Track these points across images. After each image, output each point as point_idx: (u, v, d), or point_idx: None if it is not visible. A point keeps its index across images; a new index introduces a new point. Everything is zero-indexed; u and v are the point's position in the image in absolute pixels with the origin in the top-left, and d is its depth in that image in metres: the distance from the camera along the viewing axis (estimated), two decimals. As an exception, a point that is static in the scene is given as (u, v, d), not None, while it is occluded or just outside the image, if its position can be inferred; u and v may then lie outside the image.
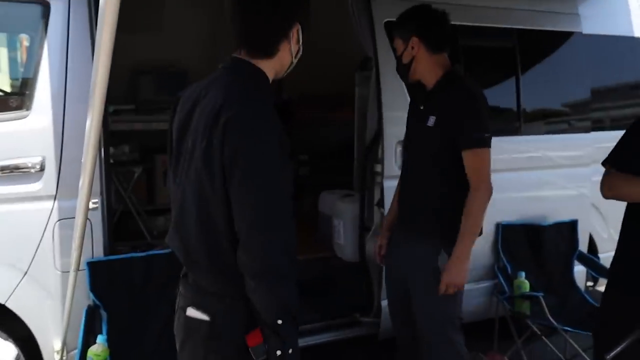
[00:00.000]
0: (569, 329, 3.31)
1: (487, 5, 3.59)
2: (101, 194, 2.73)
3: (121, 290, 2.76)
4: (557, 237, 3.82)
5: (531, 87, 3.76)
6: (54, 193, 2.65)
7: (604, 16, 4.08)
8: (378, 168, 3.33)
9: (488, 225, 3.60)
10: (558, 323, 3.30)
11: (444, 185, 2.48)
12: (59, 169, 2.64)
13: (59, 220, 2.66)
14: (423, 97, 2.54)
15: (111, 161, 2.99)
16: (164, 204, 3.85)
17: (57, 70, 2.63)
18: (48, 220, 2.65)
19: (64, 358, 2.69)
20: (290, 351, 1.50)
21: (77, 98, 2.60)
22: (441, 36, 2.49)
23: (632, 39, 4.23)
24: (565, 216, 3.84)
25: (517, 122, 3.74)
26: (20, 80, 2.83)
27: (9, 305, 2.64)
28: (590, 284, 4.27)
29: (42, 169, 2.63)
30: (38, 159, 2.62)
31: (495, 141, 3.49)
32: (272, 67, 1.61)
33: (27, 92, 2.67)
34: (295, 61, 1.64)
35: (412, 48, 2.45)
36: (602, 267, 3.73)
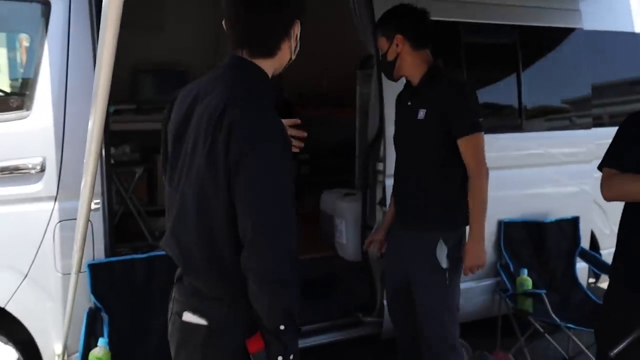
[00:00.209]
0: (571, 326, 3.31)
1: (488, 2, 3.58)
2: (102, 194, 2.72)
3: (123, 292, 2.75)
4: (559, 234, 3.81)
5: (532, 84, 3.75)
6: (55, 194, 2.64)
7: (604, 12, 4.07)
8: (380, 166, 3.32)
9: (490, 223, 3.60)
10: (561, 320, 3.30)
11: (438, 176, 2.56)
12: (60, 170, 2.62)
13: (59, 221, 2.64)
14: (409, 93, 2.64)
15: (112, 162, 2.97)
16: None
17: (58, 71, 2.61)
18: (49, 221, 2.64)
19: (66, 361, 2.68)
20: (291, 357, 1.48)
21: (78, 98, 2.59)
22: (423, 33, 2.59)
23: (633, 34, 4.22)
24: (567, 213, 3.84)
25: (518, 119, 3.73)
26: (20, 80, 2.81)
27: (9, 308, 2.62)
28: (592, 280, 4.27)
29: (42, 169, 2.61)
30: (38, 160, 2.60)
31: (497, 138, 3.54)
32: (272, 65, 1.60)
33: (27, 93, 2.66)
34: (294, 57, 1.63)
35: (397, 46, 2.55)
36: (604, 264, 3.72)
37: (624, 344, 1.98)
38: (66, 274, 2.57)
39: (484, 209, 2.51)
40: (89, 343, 2.52)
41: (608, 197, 2.16)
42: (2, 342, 2.64)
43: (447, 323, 2.56)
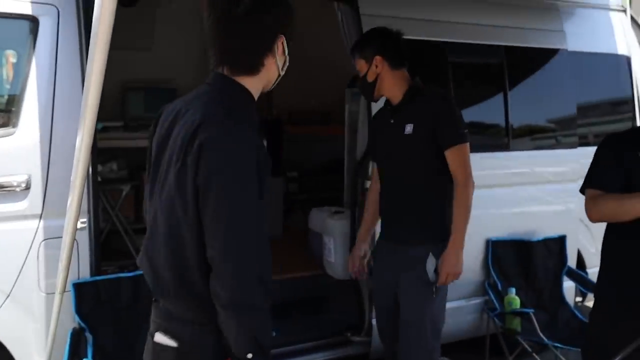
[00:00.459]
0: (559, 345, 3.31)
1: (475, 23, 3.63)
2: (89, 212, 2.68)
3: (108, 311, 2.71)
4: (546, 253, 3.83)
5: (519, 103, 3.80)
6: (40, 212, 2.60)
7: (587, 34, 4.14)
8: (368, 184, 3.32)
9: (478, 241, 3.62)
10: (549, 339, 3.31)
11: (427, 190, 2.61)
12: (45, 188, 2.59)
13: (44, 240, 2.61)
14: (390, 111, 2.70)
15: (99, 179, 2.94)
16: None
17: (45, 87, 2.60)
18: (33, 240, 2.60)
19: (48, 383, 2.62)
20: None
21: (65, 115, 2.57)
22: (400, 53, 2.66)
23: (616, 56, 4.29)
24: (553, 232, 3.86)
25: (505, 138, 3.76)
26: (6, 97, 2.79)
27: (-10, 329, 2.57)
28: (579, 299, 4.28)
29: (27, 187, 2.58)
30: (24, 178, 2.57)
31: (485, 157, 3.57)
32: (259, 82, 1.57)
33: (13, 109, 2.63)
34: (282, 73, 1.61)
35: (376, 67, 2.61)
36: (590, 283, 3.74)
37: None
38: (50, 294, 2.53)
39: (467, 218, 2.55)
40: (73, 364, 2.48)
41: (594, 219, 2.16)
42: (-18, 363, 2.59)
43: (430, 338, 2.58)
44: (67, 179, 1.92)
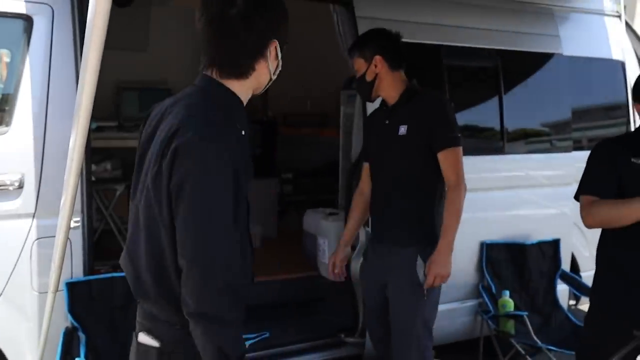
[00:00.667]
0: (553, 348, 3.32)
1: (471, 26, 3.64)
2: (82, 212, 2.67)
3: (100, 311, 2.69)
4: (540, 256, 3.84)
5: (514, 107, 3.81)
6: (33, 211, 2.59)
7: (583, 38, 4.16)
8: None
9: (472, 244, 3.63)
10: (542, 342, 3.31)
11: (418, 191, 2.62)
12: (39, 187, 2.58)
13: (37, 239, 2.59)
14: (386, 112, 2.70)
15: (93, 179, 2.93)
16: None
17: (39, 87, 2.59)
18: (26, 239, 2.58)
19: (40, 382, 2.60)
20: None
21: (59, 115, 2.56)
22: (399, 55, 2.67)
23: (610, 61, 4.31)
24: (547, 235, 3.87)
25: (500, 142, 3.77)
26: (0, 96, 2.78)
27: (-18, 328, 2.56)
28: (572, 302, 4.29)
29: (20, 186, 2.57)
30: (17, 176, 2.56)
31: (480, 160, 3.58)
32: (249, 86, 1.55)
33: (6, 108, 2.62)
34: (274, 77, 1.59)
35: (375, 66, 2.61)
36: (584, 286, 3.75)
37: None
38: (43, 293, 2.52)
39: (458, 221, 2.55)
40: (65, 364, 2.47)
41: (590, 225, 2.17)
42: (-26, 363, 2.58)
43: (422, 338, 2.59)
44: (61, 178, 1.92)
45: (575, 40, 4.05)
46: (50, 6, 2.61)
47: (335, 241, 3.60)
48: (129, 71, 4.74)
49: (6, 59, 2.77)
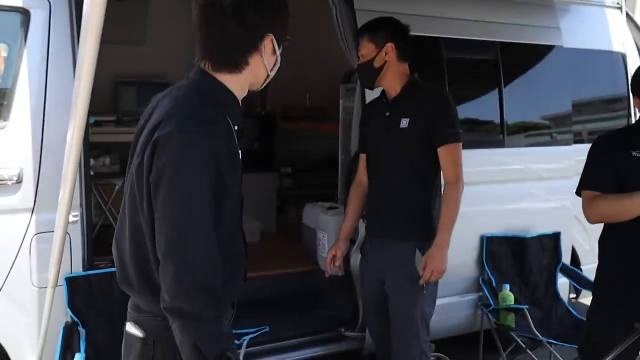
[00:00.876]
0: (553, 341, 3.32)
1: (471, 19, 3.62)
2: (81, 206, 2.67)
3: (100, 306, 2.69)
4: (540, 250, 3.84)
5: (514, 100, 3.79)
6: (32, 206, 2.58)
7: (583, 30, 4.14)
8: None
9: (472, 237, 3.62)
10: (543, 336, 3.31)
11: (418, 185, 2.60)
12: (37, 182, 2.57)
13: (36, 234, 2.59)
14: (387, 104, 2.67)
15: (91, 173, 2.92)
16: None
17: (37, 81, 2.57)
18: (25, 234, 2.58)
19: (40, 377, 2.60)
20: None
21: (57, 109, 2.55)
22: (408, 47, 2.64)
23: (611, 53, 4.30)
24: (548, 228, 3.86)
25: (500, 135, 3.76)
26: (-3, 90, 2.77)
27: (-18, 323, 2.55)
28: (572, 296, 4.29)
29: (19, 181, 2.56)
30: (15, 171, 2.55)
31: (480, 153, 3.57)
32: (243, 81, 1.52)
33: (4, 103, 2.61)
34: (272, 73, 1.56)
35: (386, 54, 2.58)
36: (585, 280, 3.75)
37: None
38: (42, 288, 2.51)
39: (455, 216, 2.54)
40: (65, 358, 2.46)
41: (593, 220, 2.16)
42: (-26, 358, 2.57)
43: (421, 332, 2.59)
44: (59, 173, 1.91)
45: (575, 32, 4.03)
46: (47, 0, 2.59)
47: (335, 235, 3.59)
48: (127, 65, 4.72)
49: (3, 53, 2.75)
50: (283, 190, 5.29)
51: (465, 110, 3.54)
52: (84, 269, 2.70)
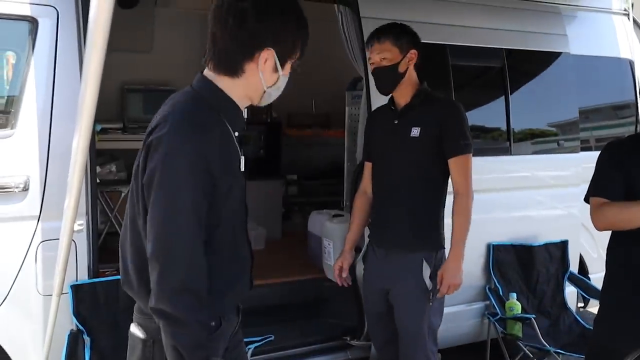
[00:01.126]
0: (561, 351, 3.29)
1: (477, 26, 3.62)
2: (87, 214, 2.67)
3: (106, 314, 2.68)
4: (548, 258, 3.81)
5: (521, 107, 3.78)
6: (38, 214, 2.59)
7: (591, 37, 4.13)
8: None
9: (479, 246, 3.60)
10: (550, 345, 3.28)
11: (427, 195, 2.58)
12: (44, 189, 2.58)
13: (42, 241, 2.59)
14: (396, 112, 2.63)
15: (98, 181, 2.93)
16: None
17: (44, 89, 2.58)
18: (31, 241, 2.58)
19: (45, 385, 2.59)
20: None
21: (65, 117, 2.55)
22: (422, 56, 2.62)
23: (618, 59, 4.28)
24: (555, 236, 3.83)
25: (507, 142, 3.75)
26: (5, 98, 2.78)
27: (-12, 331, 2.55)
28: (581, 305, 4.26)
29: (26, 189, 2.56)
30: (22, 179, 2.55)
31: (487, 161, 3.55)
32: (240, 88, 1.52)
33: (12, 111, 2.62)
34: (271, 92, 1.54)
35: (409, 60, 2.55)
36: (593, 288, 3.71)
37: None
38: (48, 295, 2.51)
39: (468, 229, 2.52)
40: (70, 367, 2.46)
41: (601, 228, 2.15)
42: (-21, 365, 2.57)
43: (428, 343, 2.57)
44: (66, 181, 1.90)
45: (582, 39, 4.02)
46: (55, 8, 2.61)
47: (340, 243, 3.57)
48: (134, 73, 4.75)
49: (12, 61, 2.77)
50: (288, 197, 5.29)
51: (472, 118, 3.49)
52: (90, 277, 2.70)
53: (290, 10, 1.51)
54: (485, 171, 3.38)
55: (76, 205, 1.80)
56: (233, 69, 1.50)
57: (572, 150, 3.98)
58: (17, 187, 2.54)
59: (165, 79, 4.84)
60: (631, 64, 4.30)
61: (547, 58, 3.91)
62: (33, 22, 2.59)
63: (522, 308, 3.48)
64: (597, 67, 4.14)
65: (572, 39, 3.95)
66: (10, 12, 2.56)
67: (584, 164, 3.77)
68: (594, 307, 4.04)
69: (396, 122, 2.61)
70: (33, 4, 2.58)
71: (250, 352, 2.81)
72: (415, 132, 2.54)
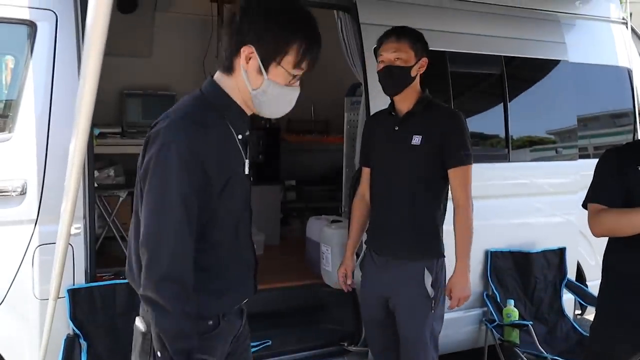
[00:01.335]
0: (558, 358, 3.28)
1: (476, 33, 3.63)
2: (84, 218, 2.66)
3: (102, 318, 2.68)
4: (545, 265, 3.81)
5: (519, 115, 3.79)
6: (35, 217, 2.58)
7: (589, 45, 4.14)
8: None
9: (477, 252, 3.59)
10: (548, 352, 3.28)
11: (427, 204, 2.56)
12: (41, 193, 2.57)
13: (39, 245, 2.58)
14: (397, 118, 2.60)
15: (95, 185, 2.92)
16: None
17: (42, 92, 2.58)
18: (28, 245, 2.57)
19: (41, 390, 2.58)
20: None
21: (63, 121, 2.55)
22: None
23: (616, 68, 4.29)
24: (553, 243, 3.84)
25: (505, 149, 3.75)
26: (3, 102, 2.78)
27: (-17, 335, 2.54)
28: (578, 312, 4.25)
29: (23, 192, 2.56)
30: (19, 183, 2.55)
31: (485, 168, 3.55)
32: (237, 90, 1.55)
33: (10, 114, 2.62)
34: (255, 93, 1.54)
35: (420, 67, 2.54)
36: (590, 296, 3.72)
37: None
38: (44, 300, 2.50)
39: (471, 241, 2.52)
40: (66, 371, 2.45)
41: (597, 234, 2.16)
42: (-25, 370, 2.56)
43: (430, 350, 2.56)
44: (63, 185, 1.90)
45: (581, 47, 4.03)
46: (54, 12, 2.61)
47: (339, 249, 3.58)
48: (133, 77, 4.75)
49: (10, 65, 2.77)
50: (287, 203, 5.28)
51: (471, 125, 3.48)
52: (87, 281, 2.69)
53: (277, 11, 1.52)
54: (483, 178, 3.38)
55: (73, 208, 1.80)
56: (227, 66, 1.55)
57: (571, 158, 3.98)
58: (14, 191, 2.54)
59: (165, 83, 4.85)
60: (629, 72, 4.32)
61: (546, 66, 3.93)
62: (32, 26, 2.59)
63: (520, 315, 3.48)
64: (595, 75, 4.15)
65: (570, 47, 3.97)
66: (9, 16, 2.56)
67: (582, 172, 3.77)
68: (591, 315, 4.02)
69: (396, 128, 2.59)
70: (32, 7, 2.58)
71: (247, 357, 2.81)
72: (417, 140, 2.52)
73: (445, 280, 2.59)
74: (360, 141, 3.05)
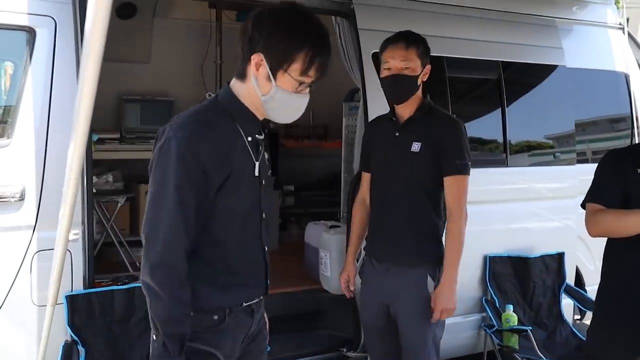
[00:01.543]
0: (557, 363, 3.28)
1: (474, 38, 3.64)
2: (82, 224, 2.66)
3: (101, 324, 2.67)
4: (544, 270, 3.81)
5: (517, 120, 3.80)
6: (34, 223, 2.58)
7: (586, 51, 4.16)
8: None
9: (476, 257, 3.60)
10: (547, 357, 3.27)
11: (429, 210, 2.54)
12: (40, 199, 2.57)
13: (37, 251, 2.58)
14: (398, 124, 2.58)
15: (94, 191, 2.92)
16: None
17: (41, 99, 2.59)
18: (26, 251, 2.57)
19: (39, 397, 2.57)
20: None
21: (61, 127, 2.55)
22: None
23: (614, 73, 4.31)
24: (551, 248, 3.84)
25: (503, 154, 3.76)
26: (2, 108, 2.78)
27: (-19, 341, 2.53)
28: (577, 317, 4.25)
29: (21, 198, 2.55)
30: (18, 189, 2.55)
31: (483, 173, 3.56)
32: (247, 92, 1.61)
33: (8, 120, 2.62)
34: (265, 99, 1.58)
35: (425, 74, 2.54)
36: (589, 300, 3.71)
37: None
38: (42, 306, 2.49)
39: (461, 252, 2.48)
40: (64, 378, 2.44)
41: (594, 234, 2.16)
42: (-28, 376, 2.55)
43: (432, 357, 2.55)
44: (62, 191, 1.90)
45: (578, 53, 4.05)
46: (52, 18, 2.62)
47: (337, 254, 3.58)
48: (132, 83, 4.75)
49: (10, 71, 2.77)
50: (285, 208, 5.29)
51: (469, 130, 3.49)
52: (85, 287, 2.68)
53: (286, 20, 1.56)
54: (481, 183, 3.39)
55: (71, 214, 1.80)
56: (240, 72, 1.62)
57: (569, 163, 3.99)
58: (13, 197, 2.54)
59: (163, 89, 4.85)
60: (626, 77, 4.33)
61: (543, 71, 3.95)
62: (31, 32, 2.60)
63: (519, 320, 3.47)
64: (592, 80, 4.16)
65: (567, 52, 3.98)
66: (8, 22, 2.57)
67: (580, 176, 3.77)
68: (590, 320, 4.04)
69: (397, 134, 2.57)
70: (31, 14, 2.59)
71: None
72: (416, 147, 2.50)
73: None
74: (360, 146, 3.06)
